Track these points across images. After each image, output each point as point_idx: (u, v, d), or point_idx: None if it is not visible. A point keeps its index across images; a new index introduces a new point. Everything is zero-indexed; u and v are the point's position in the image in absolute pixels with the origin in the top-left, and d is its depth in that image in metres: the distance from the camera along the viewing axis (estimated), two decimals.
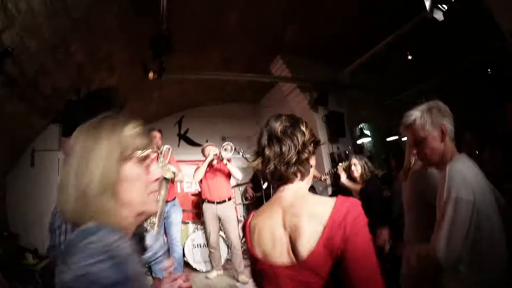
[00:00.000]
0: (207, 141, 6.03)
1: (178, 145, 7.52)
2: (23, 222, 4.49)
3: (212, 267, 4.97)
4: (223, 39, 5.25)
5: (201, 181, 4.92)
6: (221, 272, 4.96)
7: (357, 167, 3.86)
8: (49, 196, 4.63)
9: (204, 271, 5.18)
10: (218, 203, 4.81)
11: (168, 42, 4.10)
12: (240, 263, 4.70)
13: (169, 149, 4.25)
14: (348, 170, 4.08)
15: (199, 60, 5.77)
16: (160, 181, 3.75)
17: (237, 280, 4.62)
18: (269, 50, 5.93)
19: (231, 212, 4.92)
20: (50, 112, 4.68)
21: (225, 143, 4.99)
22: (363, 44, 4.78)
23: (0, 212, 4.41)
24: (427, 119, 1.63)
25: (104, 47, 4.52)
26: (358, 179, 3.87)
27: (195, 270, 5.21)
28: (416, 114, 1.67)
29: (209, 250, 4.90)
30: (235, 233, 4.78)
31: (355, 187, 3.92)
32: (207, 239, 4.95)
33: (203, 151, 5.07)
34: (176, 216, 4.61)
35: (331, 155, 5.83)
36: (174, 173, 4.26)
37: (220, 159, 4.89)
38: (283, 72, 6.16)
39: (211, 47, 5.48)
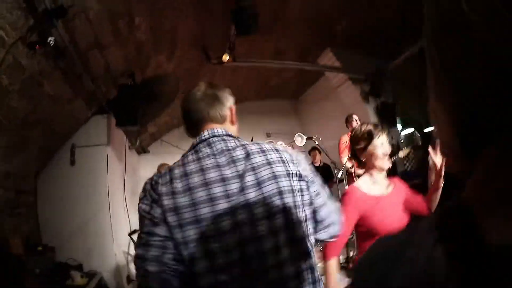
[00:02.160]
0: (252, 139, 5.27)
1: None
2: (60, 233, 3.57)
3: None
4: (283, 26, 4.77)
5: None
6: None
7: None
8: (93, 201, 3.73)
9: None
10: None
11: (255, 19, 3.26)
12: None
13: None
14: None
15: (254, 49, 5.09)
16: None
17: None
18: (320, 42, 5.56)
19: None
20: (97, 99, 3.77)
21: (297, 134, 4.39)
22: (413, 35, 4.32)
23: (31, 221, 3.46)
24: None
25: (169, 24, 3.69)
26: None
27: None
28: None
29: None
30: None
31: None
32: None
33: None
34: None
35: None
36: None
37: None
38: (332, 65, 5.82)
39: (268, 36, 4.89)
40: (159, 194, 0.94)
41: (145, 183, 1.04)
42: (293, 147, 4.06)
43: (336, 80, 6.06)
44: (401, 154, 4.15)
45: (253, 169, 0.99)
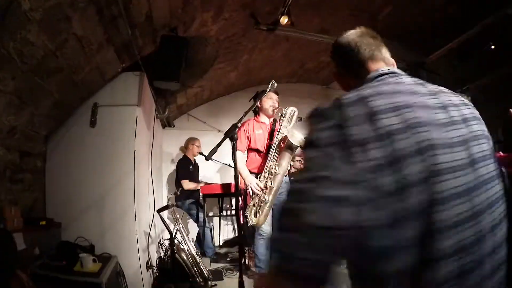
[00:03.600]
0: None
1: None
2: (70, 207, 2.95)
3: None
4: (329, 6, 4.33)
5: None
6: None
7: None
8: (115, 170, 3.10)
9: None
10: None
11: None
12: None
13: (294, 112, 3.35)
14: None
15: (299, 25, 4.46)
16: (282, 149, 3.05)
17: None
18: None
19: None
20: (130, 52, 3.12)
21: None
22: (452, 30, 4.61)
23: (36, 190, 2.84)
24: None
25: None
26: None
27: None
28: None
29: None
30: None
31: None
32: None
33: None
34: (285, 188, 3.38)
35: None
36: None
37: None
38: None
39: (315, 12, 4.43)
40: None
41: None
42: None
43: None
44: None
45: (476, 137, 0.80)
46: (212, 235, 4.95)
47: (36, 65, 2.27)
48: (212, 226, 5.15)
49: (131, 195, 3.11)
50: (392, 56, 1.11)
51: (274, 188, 3.05)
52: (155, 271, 3.36)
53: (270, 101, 3.40)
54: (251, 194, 3.13)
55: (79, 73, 2.81)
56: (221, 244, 5.29)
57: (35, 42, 2.12)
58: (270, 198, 3.04)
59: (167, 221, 3.38)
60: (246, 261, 3.94)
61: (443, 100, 0.81)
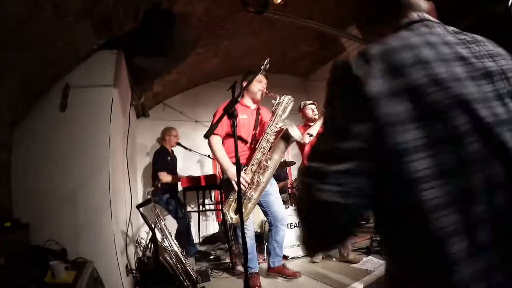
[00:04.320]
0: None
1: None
2: (40, 205, 2.50)
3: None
4: None
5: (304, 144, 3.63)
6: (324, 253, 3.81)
7: None
8: (88, 161, 2.69)
9: (301, 256, 3.94)
10: None
11: None
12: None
13: (291, 101, 2.98)
14: None
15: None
16: (276, 141, 2.73)
17: (350, 261, 3.48)
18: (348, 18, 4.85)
19: None
20: (109, 28, 2.72)
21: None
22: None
23: (1, 186, 2.40)
24: None
25: None
26: None
27: (285, 257, 3.78)
28: None
29: None
30: None
31: None
32: None
33: (303, 110, 3.86)
34: (273, 187, 3.15)
35: None
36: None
37: None
38: (354, 43, 5.34)
39: None
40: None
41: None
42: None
43: None
44: None
45: None
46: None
47: (4, 35, 1.84)
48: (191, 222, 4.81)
49: (106, 190, 2.71)
50: None
51: (262, 184, 2.72)
52: (136, 274, 2.98)
53: (259, 84, 3.05)
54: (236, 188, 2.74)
55: (51, 48, 2.38)
56: (200, 241, 4.97)
57: (6, 6, 1.71)
58: (256, 195, 2.70)
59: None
60: (232, 259, 3.66)
61: (478, 50, 0.74)
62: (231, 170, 2.74)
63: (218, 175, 4.71)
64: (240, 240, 2.87)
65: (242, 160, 2.83)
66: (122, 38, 2.91)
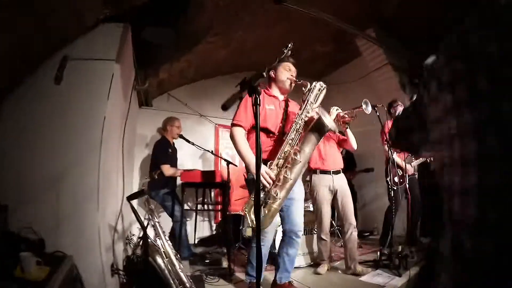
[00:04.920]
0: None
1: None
2: (22, 187, 2.21)
3: (321, 260, 3.54)
4: None
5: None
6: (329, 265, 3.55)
7: None
8: (79, 141, 2.39)
9: (304, 265, 3.67)
10: (334, 173, 3.50)
11: None
12: (356, 249, 3.41)
13: (323, 88, 2.58)
14: None
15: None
16: (307, 132, 2.44)
17: (356, 273, 3.24)
18: (364, 20, 4.89)
19: (346, 185, 3.56)
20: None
21: (364, 100, 3.40)
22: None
23: None
24: None
25: None
26: None
27: None
28: None
29: (321, 237, 3.51)
30: (352, 210, 3.46)
31: None
32: (320, 221, 3.52)
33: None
34: (300, 191, 2.72)
35: None
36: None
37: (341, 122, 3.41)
38: (371, 48, 5.37)
39: None
40: None
41: None
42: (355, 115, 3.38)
43: (374, 63, 5.55)
44: None
45: None
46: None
47: None
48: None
49: (95, 177, 2.40)
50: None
51: (291, 181, 2.30)
52: (122, 276, 2.65)
53: (287, 72, 2.67)
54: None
55: (53, 14, 2.10)
56: (196, 242, 4.63)
57: None
58: (282, 193, 2.28)
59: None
60: (231, 264, 3.33)
61: None
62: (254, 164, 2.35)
63: (220, 173, 4.41)
64: (254, 245, 2.55)
65: (267, 155, 2.48)
66: (131, 12, 2.62)
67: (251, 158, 2.39)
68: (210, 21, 3.86)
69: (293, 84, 2.67)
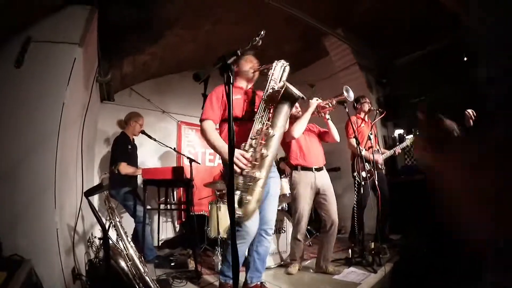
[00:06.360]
0: None
1: (202, 107, 5.34)
2: None
3: (292, 259, 3.39)
4: None
5: (290, 141, 3.28)
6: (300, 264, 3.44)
7: None
8: (34, 129, 2.16)
9: (274, 266, 3.53)
10: (316, 170, 3.31)
11: None
12: (332, 249, 3.33)
13: (285, 66, 2.59)
14: None
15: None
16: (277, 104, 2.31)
17: (328, 272, 3.19)
18: (333, 20, 4.98)
19: (330, 182, 3.41)
20: None
21: (345, 87, 3.25)
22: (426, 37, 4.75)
23: None
24: None
25: None
26: None
27: None
28: None
29: (296, 238, 3.32)
30: (336, 208, 3.30)
31: None
32: (297, 221, 3.28)
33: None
34: (276, 187, 2.65)
35: (384, 137, 5.65)
36: None
37: (322, 113, 3.27)
38: (339, 47, 5.58)
39: None
40: None
41: None
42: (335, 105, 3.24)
43: (341, 63, 5.75)
44: (408, 142, 4.25)
45: None
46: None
47: None
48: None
49: (51, 170, 2.17)
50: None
51: (269, 158, 2.14)
52: (85, 281, 2.42)
53: (249, 63, 2.65)
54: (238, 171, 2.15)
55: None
56: (160, 244, 4.41)
57: None
58: (263, 173, 2.11)
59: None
60: (198, 267, 3.19)
61: None
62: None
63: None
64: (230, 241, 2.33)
65: (241, 141, 2.26)
66: None
67: (224, 145, 2.30)
68: (179, 12, 3.71)
69: (256, 73, 2.62)
